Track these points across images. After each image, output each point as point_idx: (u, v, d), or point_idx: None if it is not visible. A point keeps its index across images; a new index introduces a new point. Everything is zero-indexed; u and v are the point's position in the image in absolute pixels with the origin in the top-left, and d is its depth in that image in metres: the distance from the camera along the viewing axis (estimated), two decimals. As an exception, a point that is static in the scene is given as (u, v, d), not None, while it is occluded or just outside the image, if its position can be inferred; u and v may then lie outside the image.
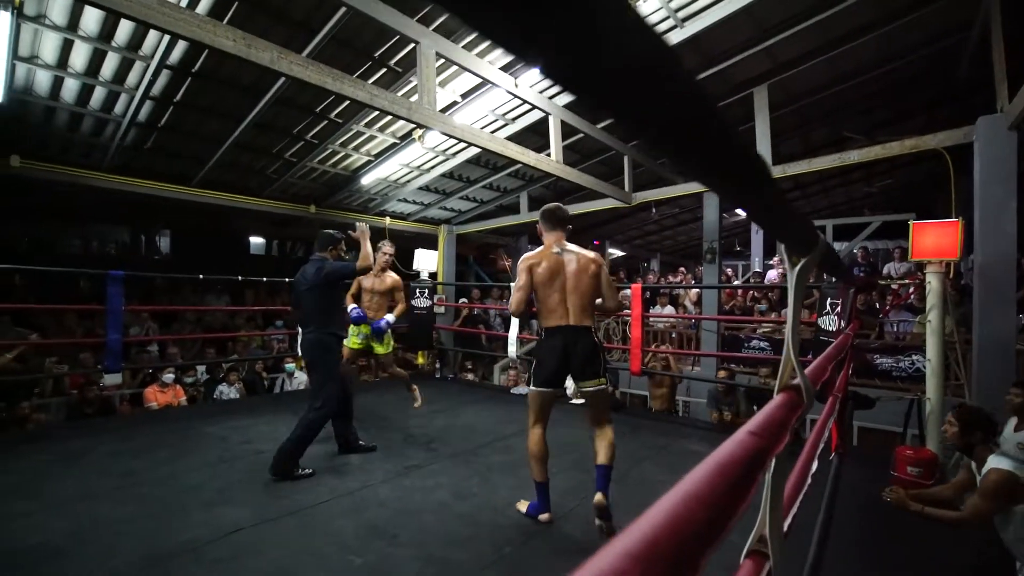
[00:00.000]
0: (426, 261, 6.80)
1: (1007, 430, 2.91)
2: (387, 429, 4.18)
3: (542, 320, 2.55)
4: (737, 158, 0.45)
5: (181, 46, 3.95)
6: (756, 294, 8.13)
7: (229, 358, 6.65)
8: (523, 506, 2.62)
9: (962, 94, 5.92)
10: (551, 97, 5.04)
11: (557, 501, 2.64)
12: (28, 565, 2.06)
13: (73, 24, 3.68)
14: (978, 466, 2.49)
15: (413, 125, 5.23)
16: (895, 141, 4.74)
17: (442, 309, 7.11)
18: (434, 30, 3.84)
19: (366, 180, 6.76)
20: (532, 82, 4.72)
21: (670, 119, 0.34)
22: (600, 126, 5.73)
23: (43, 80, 4.22)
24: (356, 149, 6.15)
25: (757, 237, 11.74)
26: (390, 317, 4.07)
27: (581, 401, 4.70)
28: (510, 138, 5.23)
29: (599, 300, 2.60)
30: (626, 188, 6.36)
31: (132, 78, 4.31)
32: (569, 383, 2.91)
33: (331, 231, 3.41)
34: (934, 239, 3.61)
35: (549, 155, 4.84)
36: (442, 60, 3.84)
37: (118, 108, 4.70)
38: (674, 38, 4.29)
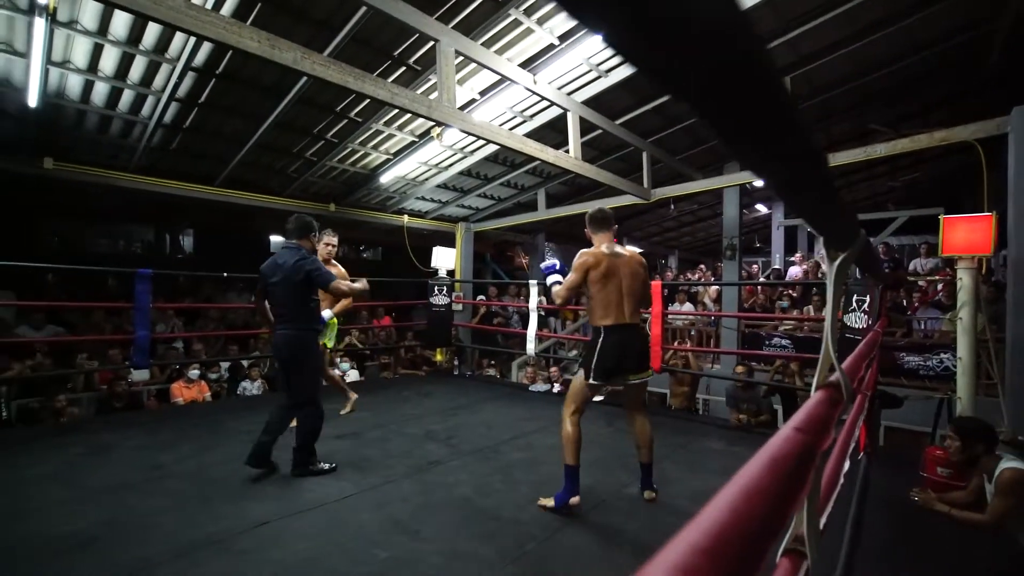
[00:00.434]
0: (444, 259, 6.84)
1: None
2: (407, 425, 4.21)
3: (597, 318, 2.66)
4: (800, 140, 0.43)
5: (206, 48, 4.02)
6: (781, 290, 8.00)
7: (251, 355, 6.76)
8: (548, 502, 2.63)
9: (991, 84, 5.72)
10: (570, 93, 5.01)
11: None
12: (65, 551, 2.13)
13: (103, 28, 3.77)
14: (988, 478, 2.47)
15: (431, 123, 5.26)
16: (923, 133, 4.60)
17: (460, 307, 7.14)
18: (453, 27, 3.85)
19: (384, 178, 6.81)
20: (551, 78, 4.70)
21: (737, 90, 0.32)
22: (619, 122, 5.69)
23: (74, 84, 4.34)
24: (375, 148, 6.20)
25: (778, 233, 11.55)
26: (328, 313, 3.85)
27: (601, 398, 4.71)
28: (528, 135, 5.21)
29: None
30: (645, 184, 6.30)
31: (159, 80, 4.40)
32: None
33: (308, 217, 3.17)
34: (965, 234, 3.51)
35: (568, 152, 4.81)
36: (461, 58, 3.84)
37: (145, 110, 4.81)
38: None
